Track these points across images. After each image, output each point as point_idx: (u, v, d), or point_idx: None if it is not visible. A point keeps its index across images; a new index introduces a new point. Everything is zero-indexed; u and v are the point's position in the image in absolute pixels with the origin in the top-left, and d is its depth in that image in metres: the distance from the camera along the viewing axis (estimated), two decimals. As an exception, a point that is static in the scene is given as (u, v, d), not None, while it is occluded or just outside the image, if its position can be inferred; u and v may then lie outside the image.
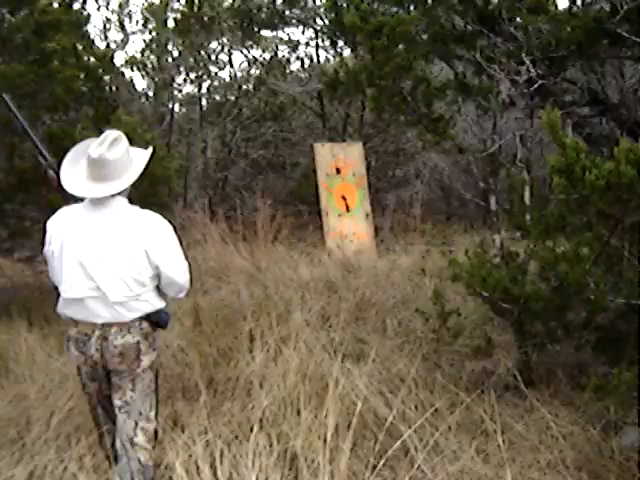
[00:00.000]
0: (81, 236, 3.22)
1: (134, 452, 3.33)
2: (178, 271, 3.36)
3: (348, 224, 11.99)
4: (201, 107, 15.39)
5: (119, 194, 3.27)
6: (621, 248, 3.94)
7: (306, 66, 15.13)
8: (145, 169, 3.34)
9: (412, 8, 4.68)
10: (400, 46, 4.76)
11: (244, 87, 15.28)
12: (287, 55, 15.30)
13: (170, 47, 14.93)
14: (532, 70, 4.37)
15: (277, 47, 14.95)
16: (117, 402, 3.37)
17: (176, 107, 16.13)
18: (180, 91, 15.92)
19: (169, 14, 14.42)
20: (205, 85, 15.96)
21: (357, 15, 4.57)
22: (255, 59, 14.78)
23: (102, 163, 3.16)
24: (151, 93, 15.77)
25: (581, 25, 4.13)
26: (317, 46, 14.54)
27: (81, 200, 3.34)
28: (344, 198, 12.10)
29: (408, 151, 15.99)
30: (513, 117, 5.89)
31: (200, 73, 14.98)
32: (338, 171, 12.16)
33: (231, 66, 15.46)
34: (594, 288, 3.87)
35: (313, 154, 12.38)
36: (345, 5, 4.88)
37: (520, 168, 4.69)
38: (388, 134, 15.50)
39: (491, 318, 6.07)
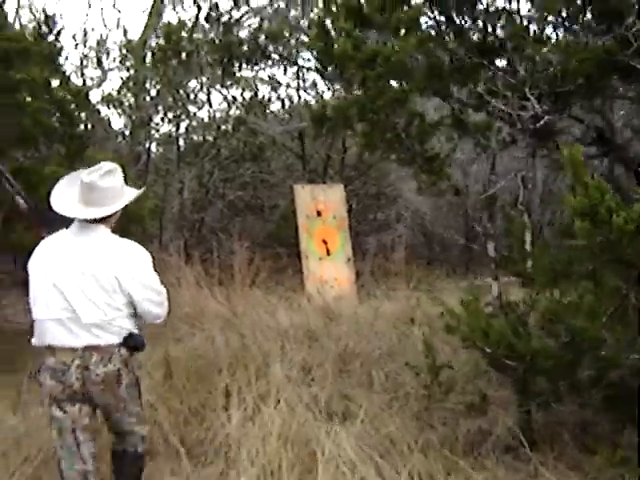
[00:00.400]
0: (58, 258, 3.33)
1: (135, 451, 3.60)
2: (150, 300, 3.44)
3: (329, 268, 11.57)
4: (178, 147, 15.01)
5: (104, 223, 3.41)
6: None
7: (287, 106, 14.76)
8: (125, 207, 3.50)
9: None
10: (394, 81, 4.40)
11: (223, 127, 14.87)
12: (267, 95, 14.95)
13: (148, 85, 14.58)
14: (537, 106, 4.00)
15: (257, 87, 14.60)
16: (113, 421, 3.55)
17: (153, 147, 15.75)
18: (157, 130, 15.54)
19: (147, 51, 14.08)
20: (183, 125, 15.59)
21: (349, 43, 4.21)
22: (234, 98, 14.41)
23: (93, 188, 3.31)
24: (127, 132, 15.35)
25: (591, 57, 3.80)
26: (298, 86, 14.22)
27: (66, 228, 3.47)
28: (325, 242, 11.70)
29: (389, 194, 15.68)
30: (512, 156, 5.54)
31: (178, 112, 14.61)
32: (319, 214, 11.77)
33: (210, 106, 15.11)
34: (611, 344, 3.46)
35: (293, 196, 12.00)
36: (335, 34, 4.51)
37: (520, 211, 4.28)
38: (369, 177, 15.22)
39: (485, 371, 5.64)
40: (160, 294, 3.51)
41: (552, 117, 4.01)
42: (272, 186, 15.44)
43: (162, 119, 14.95)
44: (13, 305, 9.88)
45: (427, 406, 5.14)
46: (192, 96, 15.15)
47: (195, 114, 15.49)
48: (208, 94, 14.81)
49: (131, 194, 3.52)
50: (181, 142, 15.79)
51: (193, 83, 14.68)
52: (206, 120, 15.45)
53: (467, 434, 4.91)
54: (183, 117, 15.21)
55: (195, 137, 16.00)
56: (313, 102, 13.83)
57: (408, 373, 5.92)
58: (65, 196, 3.42)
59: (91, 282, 3.30)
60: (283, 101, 14.54)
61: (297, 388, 5.38)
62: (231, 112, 14.61)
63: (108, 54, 15.34)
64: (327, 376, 6.11)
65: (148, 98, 14.73)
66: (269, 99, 14.63)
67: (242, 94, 14.12)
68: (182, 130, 15.61)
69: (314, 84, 14.49)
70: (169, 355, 5.89)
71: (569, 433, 4.59)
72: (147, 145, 15.08)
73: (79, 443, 3.38)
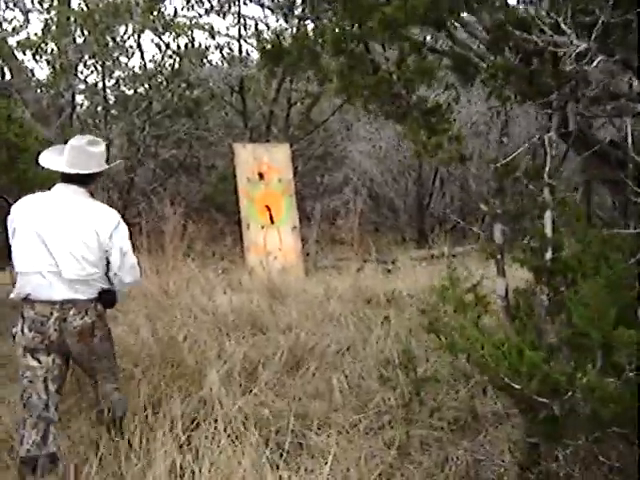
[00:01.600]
0: (43, 214, 3.52)
1: (110, 397, 3.76)
2: (124, 259, 3.65)
3: (272, 238, 10.37)
4: (105, 99, 13.41)
5: (84, 187, 3.66)
6: None
7: (226, 55, 13.30)
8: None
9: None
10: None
11: (155, 79, 13.35)
12: (205, 43, 13.49)
13: (72, 29, 12.94)
14: (577, 41, 2.83)
15: (193, 33, 13.08)
16: (89, 373, 3.77)
17: (78, 99, 14.12)
18: (84, 81, 13.94)
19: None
20: (112, 76, 14.00)
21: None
22: (167, 46, 12.90)
23: (80, 151, 3.61)
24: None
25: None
26: (239, 34, 12.75)
27: None
28: (268, 208, 10.49)
29: (337, 155, 14.45)
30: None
31: (105, 60, 13.02)
32: (261, 176, 10.56)
33: (141, 54, 13.57)
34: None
35: (232, 156, 10.68)
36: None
37: (543, 185, 3.08)
38: (316, 136, 13.94)
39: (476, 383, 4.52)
40: (131, 260, 3.72)
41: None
42: (209, 145, 14.09)
43: (86, 67, 13.34)
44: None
45: (408, 430, 3.97)
46: (120, 42, 13.62)
47: (126, 64, 13.96)
48: (138, 41, 13.27)
49: (111, 164, 3.91)
50: (110, 95, 14.19)
51: (122, 29, 13.13)
52: (137, 71, 13.89)
53: (459, 466, 3.80)
54: (111, 66, 13.61)
55: (125, 89, 14.42)
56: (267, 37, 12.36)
57: (375, 378, 4.79)
58: (53, 158, 3.71)
59: (73, 237, 3.52)
60: (222, 49, 13.02)
61: (238, 404, 4.17)
62: (164, 62, 13.02)
63: (27, -6, 13.58)
64: (276, 381, 4.93)
65: (72, 45, 13.09)
66: (206, 47, 13.09)
67: (176, 40, 12.56)
68: (111, 82, 14.02)
69: (257, 30, 13.08)
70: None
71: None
72: (70, 96, 13.46)
73: (48, 392, 3.56)
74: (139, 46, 13.41)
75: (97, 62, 13.14)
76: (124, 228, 3.69)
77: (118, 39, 13.18)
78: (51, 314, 3.52)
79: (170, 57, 13.27)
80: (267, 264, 9.86)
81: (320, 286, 8.77)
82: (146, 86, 13.38)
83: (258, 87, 12.91)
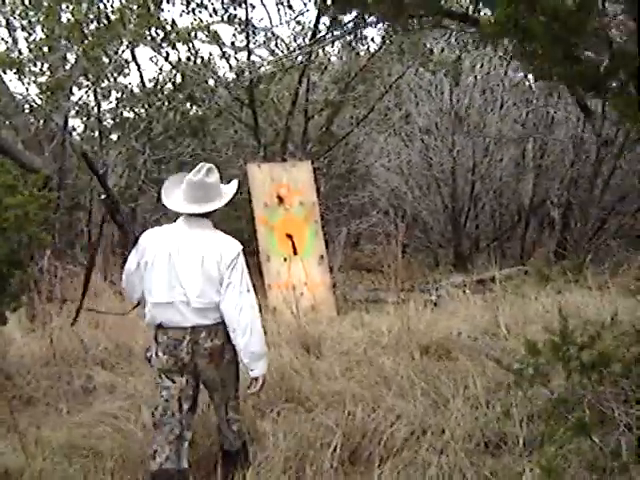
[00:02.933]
0: (173, 248, 3.76)
1: (229, 425, 3.95)
2: (232, 294, 3.72)
3: (297, 271, 9.05)
4: (101, 121, 12.09)
5: (208, 217, 3.89)
6: None
7: (234, 67, 11.95)
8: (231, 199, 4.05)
9: None
10: None
11: (155, 95, 12.02)
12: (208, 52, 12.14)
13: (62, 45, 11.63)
14: None
15: (194, 39, 11.70)
16: (215, 399, 3.95)
17: (73, 122, 12.86)
18: (77, 103, 12.63)
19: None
20: (109, 97, 12.70)
21: None
22: (167, 57, 11.57)
23: (201, 186, 3.83)
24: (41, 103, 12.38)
25: None
26: (248, 42, 11.38)
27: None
28: (290, 236, 9.21)
29: (361, 172, 13.10)
30: None
31: (97, 77, 11.69)
32: (281, 200, 9.30)
33: (139, 71, 12.26)
34: None
35: (245, 178, 9.34)
36: None
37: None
38: (337, 151, 12.57)
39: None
40: (242, 295, 3.73)
41: None
42: (218, 166, 12.61)
43: (79, 87, 12.01)
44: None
45: None
46: (113, 56, 12.36)
47: (124, 85, 12.66)
48: (133, 54, 11.97)
49: (230, 189, 4.07)
50: (107, 118, 12.92)
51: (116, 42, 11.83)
52: (135, 90, 12.57)
53: None
54: (106, 86, 12.31)
55: (123, 111, 13.11)
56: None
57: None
58: (174, 195, 3.90)
59: (201, 270, 3.72)
60: (228, 59, 11.67)
61: None
62: (164, 76, 11.71)
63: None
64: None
65: (60, 61, 11.81)
66: (210, 56, 11.75)
67: (176, 51, 11.22)
68: (107, 104, 12.75)
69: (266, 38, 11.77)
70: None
71: None
72: (62, 120, 12.15)
73: (182, 411, 3.77)
74: (135, 60, 12.11)
75: (89, 80, 11.80)
76: (241, 262, 3.82)
77: (111, 53, 11.93)
78: (183, 338, 3.72)
79: (170, 71, 11.93)
80: (293, 302, 8.50)
81: (359, 328, 7.45)
82: (145, 106, 12.01)
83: (270, 100, 11.55)
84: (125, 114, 12.95)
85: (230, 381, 3.92)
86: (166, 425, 3.75)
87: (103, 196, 3.76)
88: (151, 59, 12.16)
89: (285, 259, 9.04)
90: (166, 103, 11.87)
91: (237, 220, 11.13)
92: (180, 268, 3.73)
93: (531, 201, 13.94)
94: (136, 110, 12.61)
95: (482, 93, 13.32)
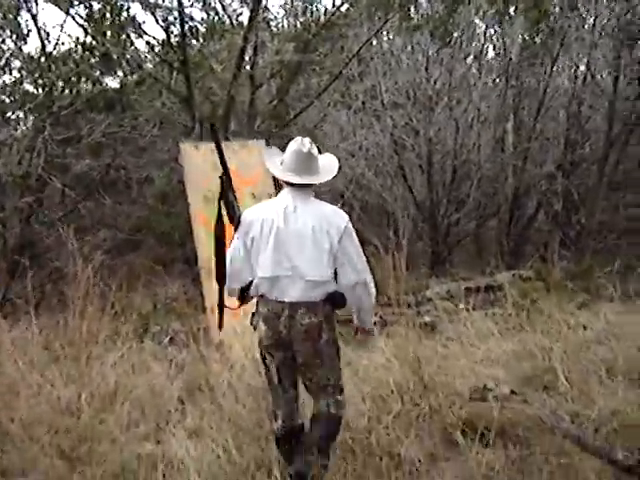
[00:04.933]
0: (280, 221, 3.72)
1: (327, 412, 3.83)
2: (350, 263, 3.71)
3: None
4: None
5: (311, 188, 3.82)
6: None
7: (160, 17, 9.38)
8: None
9: None
10: None
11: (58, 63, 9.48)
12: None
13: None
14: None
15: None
16: (307, 375, 3.84)
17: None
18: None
19: None
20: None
21: None
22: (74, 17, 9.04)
23: (310, 157, 3.79)
24: None
25: None
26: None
27: None
28: (239, 241, 6.74)
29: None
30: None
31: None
32: (226, 192, 6.76)
33: (39, 33, 9.64)
34: None
35: (178, 162, 6.97)
36: None
37: None
38: (290, 130, 10.21)
39: None
40: (362, 261, 3.74)
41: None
42: (142, 149, 10.16)
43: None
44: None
45: None
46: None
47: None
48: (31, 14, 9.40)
49: (332, 161, 3.95)
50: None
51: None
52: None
53: None
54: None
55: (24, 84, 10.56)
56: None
57: None
58: (280, 168, 3.84)
59: (311, 241, 3.68)
60: (153, 10, 9.09)
61: None
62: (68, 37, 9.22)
63: None
64: None
65: None
66: (127, 10, 9.19)
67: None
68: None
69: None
70: None
71: None
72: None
73: (281, 379, 3.83)
74: (34, 20, 9.52)
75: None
76: (352, 231, 3.78)
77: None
78: (282, 311, 3.71)
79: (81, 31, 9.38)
80: (245, 333, 6.31)
81: (349, 378, 5.26)
82: (47, 74, 9.42)
83: (208, 62, 9.08)
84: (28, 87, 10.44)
85: (328, 364, 3.84)
86: (273, 391, 3.89)
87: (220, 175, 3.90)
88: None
89: (234, 272, 6.65)
90: (73, 68, 9.30)
91: (167, 218, 8.69)
92: (289, 241, 3.73)
93: (516, 189, 11.98)
94: (38, 82, 10.01)
95: (464, 61, 11.31)
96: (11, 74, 10.48)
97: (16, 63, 10.54)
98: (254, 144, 7.48)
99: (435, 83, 11.13)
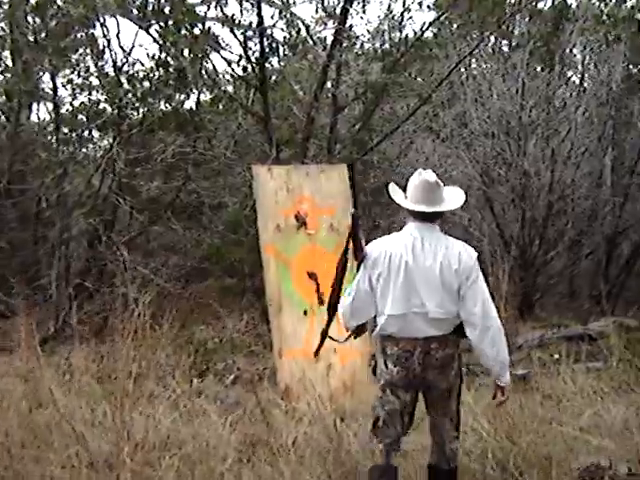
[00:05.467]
0: (410, 256, 3.64)
1: (450, 442, 3.77)
2: (476, 305, 3.63)
3: (321, 329, 6.03)
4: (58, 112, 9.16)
5: (436, 222, 3.74)
6: None
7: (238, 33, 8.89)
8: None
9: None
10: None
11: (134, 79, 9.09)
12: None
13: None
14: None
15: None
16: (440, 410, 3.78)
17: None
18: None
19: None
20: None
21: None
22: (148, 29, 8.61)
23: (435, 186, 3.68)
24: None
25: None
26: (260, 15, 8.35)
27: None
28: (313, 277, 6.25)
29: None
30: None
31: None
32: (301, 222, 6.37)
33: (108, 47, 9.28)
34: None
35: (250, 187, 6.41)
36: None
37: None
38: (380, 156, 9.57)
39: None
40: (489, 307, 3.65)
41: None
42: (216, 173, 9.65)
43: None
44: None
45: None
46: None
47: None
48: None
49: (458, 192, 3.90)
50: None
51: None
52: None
53: None
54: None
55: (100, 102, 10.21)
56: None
57: None
58: (401, 196, 3.80)
59: (438, 279, 3.61)
60: (232, 26, 8.57)
61: None
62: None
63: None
64: None
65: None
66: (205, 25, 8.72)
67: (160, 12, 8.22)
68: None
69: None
70: None
71: None
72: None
73: (403, 425, 3.73)
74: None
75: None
76: (479, 270, 3.74)
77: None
78: (414, 349, 3.63)
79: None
80: (316, 381, 5.74)
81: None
82: (116, 91, 9.02)
83: (288, 82, 8.51)
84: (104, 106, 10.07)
85: (454, 395, 3.80)
86: (386, 437, 3.75)
87: (352, 210, 4.00)
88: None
89: (306, 312, 6.16)
90: (146, 85, 8.88)
91: (238, 246, 8.10)
92: (418, 278, 3.66)
93: (615, 229, 11.28)
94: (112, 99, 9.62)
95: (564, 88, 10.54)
96: (90, 93, 10.23)
97: (94, 81, 10.32)
98: (334, 169, 6.82)
99: (530, 111, 10.32)
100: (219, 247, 8.92)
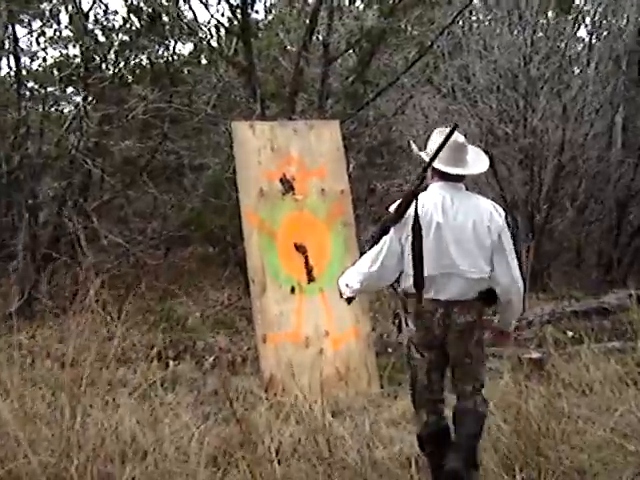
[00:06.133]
0: (441, 216, 3.54)
1: (474, 409, 3.68)
2: (508, 265, 3.61)
3: (312, 311, 5.53)
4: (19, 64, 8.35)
5: (464, 180, 3.71)
6: None
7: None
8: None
9: None
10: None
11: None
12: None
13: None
14: None
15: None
16: (457, 374, 3.72)
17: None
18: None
19: None
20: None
21: None
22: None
23: (464, 147, 3.66)
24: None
25: None
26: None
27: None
28: (301, 249, 5.58)
29: (398, 144, 9.38)
30: None
31: None
32: (287, 185, 5.63)
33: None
34: None
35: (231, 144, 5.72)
36: None
37: None
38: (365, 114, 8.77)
39: None
40: (516, 265, 3.66)
41: None
42: (197, 130, 8.85)
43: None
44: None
45: None
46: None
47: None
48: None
49: (480, 152, 3.84)
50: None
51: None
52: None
53: None
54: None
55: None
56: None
57: None
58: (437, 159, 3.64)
59: (473, 238, 3.57)
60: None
61: None
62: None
63: None
64: None
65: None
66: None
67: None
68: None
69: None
70: None
71: None
72: None
73: (431, 380, 3.69)
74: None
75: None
76: (507, 229, 3.73)
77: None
78: (436, 310, 3.59)
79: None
80: (304, 369, 5.17)
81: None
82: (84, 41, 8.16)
83: (273, 28, 7.69)
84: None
85: (476, 362, 3.72)
86: (418, 393, 3.75)
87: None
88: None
89: (293, 289, 5.49)
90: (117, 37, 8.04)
91: (220, 213, 7.34)
92: (449, 237, 3.56)
93: (627, 192, 10.57)
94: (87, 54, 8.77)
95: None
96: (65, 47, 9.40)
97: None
98: (325, 125, 6.06)
99: (539, 63, 9.54)
100: (199, 213, 8.14)
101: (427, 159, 3.64)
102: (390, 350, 6.75)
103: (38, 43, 9.43)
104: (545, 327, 7.23)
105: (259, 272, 5.38)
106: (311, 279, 5.45)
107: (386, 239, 3.65)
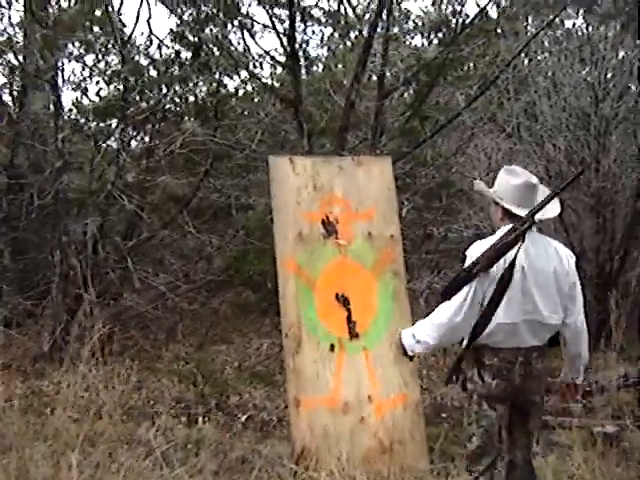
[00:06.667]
0: (524, 261, 3.51)
1: (530, 458, 3.76)
2: (579, 312, 3.65)
3: (354, 372, 4.84)
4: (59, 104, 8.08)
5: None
6: None
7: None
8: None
9: None
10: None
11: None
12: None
13: None
14: None
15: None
16: (529, 425, 3.71)
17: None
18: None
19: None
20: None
21: None
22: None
23: (537, 190, 3.60)
24: None
25: None
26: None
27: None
28: (344, 300, 4.88)
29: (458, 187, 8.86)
30: None
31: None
32: (330, 228, 4.96)
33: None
34: None
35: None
36: None
37: None
38: (423, 154, 8.25)
39: None
40: (583, 315, 3.68)
41: None
42: (242, 168, 8.41)
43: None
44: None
45: None
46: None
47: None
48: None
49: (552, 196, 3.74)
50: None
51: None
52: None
53: None
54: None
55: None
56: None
57: None
58: (503, 199, 3.63)
59: (553, 283, 3.56)
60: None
61: None
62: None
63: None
64: None
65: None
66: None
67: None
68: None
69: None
70: None
71: None
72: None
73: (502, 441, 3.63)
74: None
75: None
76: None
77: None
78: (516, 359, 3.55)
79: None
80: (342, 440, 4.60)
81: None
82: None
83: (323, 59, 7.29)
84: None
85: (541, 407, 3.78)
86: (484, 457, 3.64)
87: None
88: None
89: (332, 346, 4.80)
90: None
91: (258, 257, 6.86)
92: (533, 282, 3.54)
93: None
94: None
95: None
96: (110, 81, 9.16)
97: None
98: (375, 162, 5.42)
99: (614, 101, 8.94)
100: (237, 257, 7.66)
101: (496, 199, 3.61)
102: (444, 415, 6.19)
103: (78, 74, 9.35)
104: (620, 394, 6.60)
105: (294, 326, 4.73)
106: (353, 336, 4.78)
107: (470, 287, 3.53)
